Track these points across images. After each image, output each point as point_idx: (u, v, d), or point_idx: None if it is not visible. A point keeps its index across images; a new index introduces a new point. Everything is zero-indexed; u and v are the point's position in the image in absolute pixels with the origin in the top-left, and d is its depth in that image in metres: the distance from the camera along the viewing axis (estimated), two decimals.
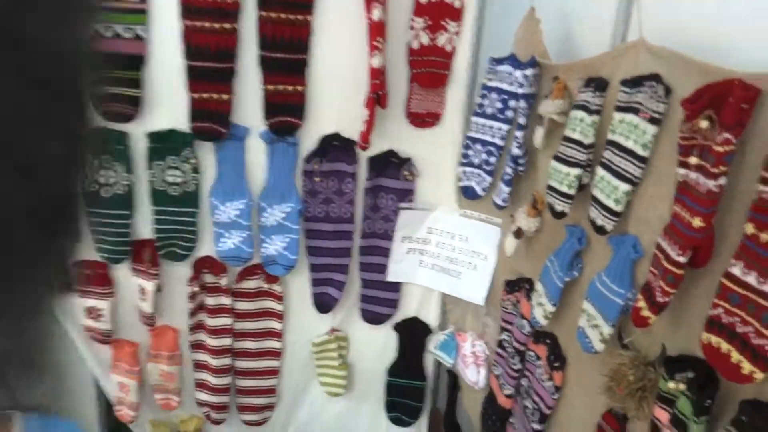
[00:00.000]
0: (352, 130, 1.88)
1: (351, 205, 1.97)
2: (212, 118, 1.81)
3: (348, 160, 1.93)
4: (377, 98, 1.76)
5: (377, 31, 1.70)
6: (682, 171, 1.14)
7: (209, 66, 1.76)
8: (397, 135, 1.93)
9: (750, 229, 0.97)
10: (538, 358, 1.66)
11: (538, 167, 1.68)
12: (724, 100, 1.02)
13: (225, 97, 1.80)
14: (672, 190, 1.17)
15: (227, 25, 1.73)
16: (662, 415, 1.20)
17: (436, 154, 1.96)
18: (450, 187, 1.99)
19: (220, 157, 1.89)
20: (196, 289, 2.02)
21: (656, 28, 1.27)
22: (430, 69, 1.84)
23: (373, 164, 1.94)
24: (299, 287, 2.09)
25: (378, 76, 1.71)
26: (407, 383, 2.19)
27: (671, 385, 1.13)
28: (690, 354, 1.14)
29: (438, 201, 2.01)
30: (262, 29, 1.75)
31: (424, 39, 1.82)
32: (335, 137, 1.90)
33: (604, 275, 1.34)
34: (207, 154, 1.90)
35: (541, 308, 1.54)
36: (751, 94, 0.98)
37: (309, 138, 1.92)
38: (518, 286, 1.77)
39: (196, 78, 1.77)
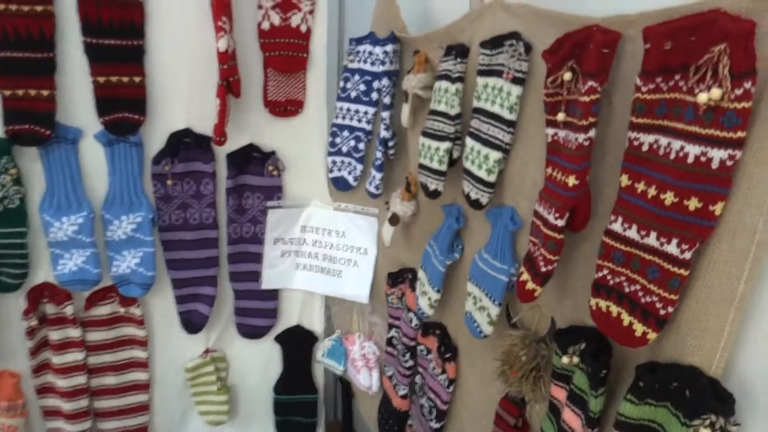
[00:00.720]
0: (205, 124, 1.68)
1: (212, 208, 1.76)
2: (31, 119, 1.53)
3: (204, 158, 1.72)
4: (228, 86, 1.57)
5: (221, 9, 1.51)
6: (550, 130, 1.06)
7: (21, 57, 1.48)
8: (257, 127, 1.75)
9: (625, 180, 0.90)
10: (429, 351, 1.54)
11: (408, 148, 1.57)
12: (585, 48, 0.95)
13: (45, 93, 1.52)
14: (543, 153, 1.10)
15: (38, 7, 1.46)
16: (559, 393, 1.11)
17: (302, 145, 1.81)
18: (321, 180, 1.84)
19: (48, 165, 1.61)
20: (34, 323, 1.71)
21: None
22: (284, 52, 1.68)
23: (233, 161, 1.74)
24: (163, 307, 1.84)
25: (226, 60, 1.53)
26: (297, 399, 2.01)
27: (565, 360, 1.05)
28: (580, 324, 1.06)
29: (310, 196, 1.86)
30: (82, 11, 1.50)
31: (275, 19, 1.65)
32: (186, 133, 1.69)
33: (484, 252, 1.25)
34: (31, 163, 1.61)
35: (425, 297, 1.43)
36: (612, 38, 0.92)
37: (155, 136, 1.68)
38: (401, 278, 1.65)
39: (5, 72, 1.49)
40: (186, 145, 1.69)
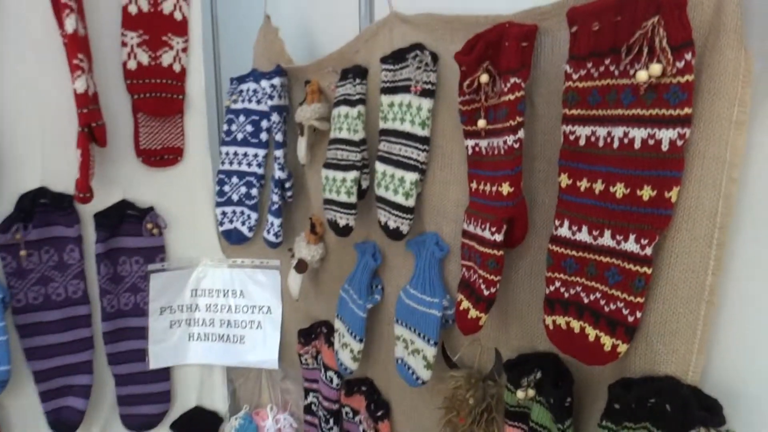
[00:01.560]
0: (65, 180, 1.42)
1: (80, 279, 1.48)
2: None
3: (65, 220, 1.45)
4: (90, 133, 1.34)
5: (75, 45, 1.30)
6: (470, 142, 0.97)
7: None
8: (130, 180, 1.52)
9: (564, 180, 0.81)
10: (356, 413, 1.36)
11: (309, 187, 1.43)
12: (500, 46, 0.87)
13: None
14: (463, 169, 1.00)
15: None
16: None
17: (185, 198, 1.59)
18: (210, 235, 1.62)
19: None
20: None
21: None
22: (155, 93, 1.49)
23: (102, 221, 1.49)
24: (24, 408, 1.50)
25: (86, 103, 1.31)
26: None
27: (519, 395, 0.92)
28: (531, 351, 0.95)
29: (198, 254, 1.63)
30: None
31: (143, 57, 1.47)
32: (41, 193, 1.42)
33: (410, 288, 1.11)
34: None
35: (347, 350, 1.26)
36: (529, 30, 0.85)
37: (1, 199, 1.40)
38: (315, 333, 1.47)
39: None
40: (42, 206, 1.42)
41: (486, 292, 0.89)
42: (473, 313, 0.90)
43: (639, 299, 0.74)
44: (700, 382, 0.75)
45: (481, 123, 0.91)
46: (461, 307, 0.93)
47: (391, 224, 1.09)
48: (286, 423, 1.60)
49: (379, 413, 1.26)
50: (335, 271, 1.37)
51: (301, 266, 1.31)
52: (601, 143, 0.77)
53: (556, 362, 0.91)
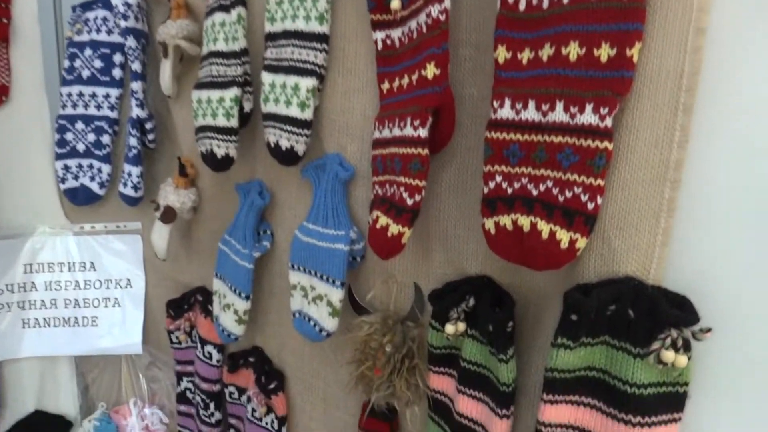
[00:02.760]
0: None
1: None
2: None
3: None
4: None
5: None
6: (380, 34, 0.81)
7: None
8: None
9: (502, 54, 0.67)
10: (242, 391, 1.13)
11: (176, 125, 1.18)
12: None
13: None
14: (369, 76, 0.84)
15: None
16: (444, 383, 0.83)
17: (13, 150, 1.27)
18: (49, 195, 1.31)
19: None
20: None
21: None
22: None
23: None
24: None
25: None
26: None
27: (449, 329, 0.77)
28: (455, 278, 0.80)
29: (32, 220, 1.31)
30: None
31: None
32: None
33: (309, 223, 0.92)
34: None
35: (229, 312, 1.04)
36: None
37: None
38: (187, 304, 1.22)
39: None
40: None
41: (410, 201, 0.73)
42: (394, 228, 0.74)
43: (599, 181, 0.62)
44: (663, 282, 0.65)
45: (396, 4, 0.76)
46: (378, 225, 0.76)
47: (284, 143, 0.89)
48: (154, 418, 1.33)
49: (272, 385, 1.05)
50: (212, 224, 1.14)
51: (168, 215, 1.06)
52: (546, 4, 0.64)
53: (491, 285, 0.77)
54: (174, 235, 1.19)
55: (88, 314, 1.31)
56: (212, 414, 1.18)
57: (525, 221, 0.65)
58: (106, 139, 1.27)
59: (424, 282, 0.85)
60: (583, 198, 0.62)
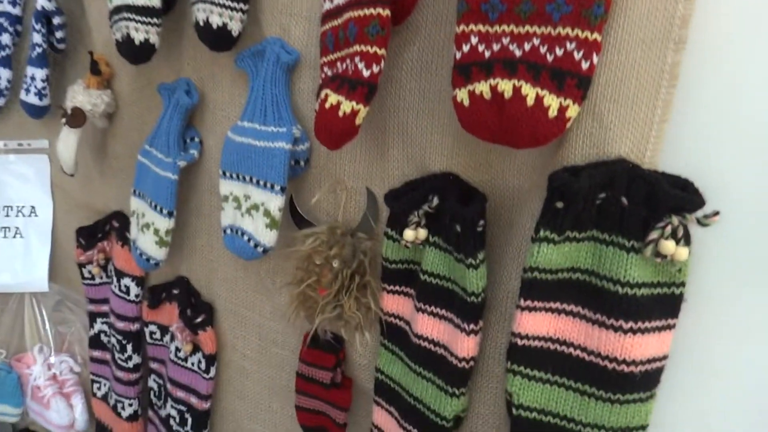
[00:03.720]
0: None
1: None
2: None
3: None
4: None
5: None
6: None
7: None
8: None
9: None
10: (164, 331, 0.99)
11: (90, 21, 1.00)
12: None
13: None
14: None
15: None
16: (399, 304, 0.72)
17: None
18: None
19: None
20: None
21: None
22: None
23: None
24: None
25: None
26: None
27: (408, 235, 0.65)
28: (422, 175, 0.69)
29: None
30: None
31: None
32: None
33: (244, 121, 0.79)
34: None
35: (149, 233, 0.89)
36: None
37: None
38: (101, 232, 1.06)
39: None
40: None
41: (366, 72, 0.60)
42: (347, 106, 0.61)
43: (596, 36, 0.51)
44: (658, 165, 0.56)
45: None
46: (327, 104, 0.63)
47: (216, 20, 0.75)
48: (63, 367, 1.16)
49: (199, 319, 0.91)
50: (131, 137, 0.98)
51: (77, 118, 0.90)
52: None
53: (457, 183, 0.66)
54: (86, 152, 1.03)
55: None
56: (129, 357, 1.03)
57: (506, 86, 0.53)
58: (5, 38, 1.08)
59: (378, 187, 0.73)
60: (577, 55, 0.51)
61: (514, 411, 0.59)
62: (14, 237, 1.13)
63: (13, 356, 1.19)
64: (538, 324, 0.58)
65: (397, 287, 0.72)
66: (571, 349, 0.58)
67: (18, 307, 1.17)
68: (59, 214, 1.14)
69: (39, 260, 1.13)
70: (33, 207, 1.14)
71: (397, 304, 0.72)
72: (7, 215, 1.13)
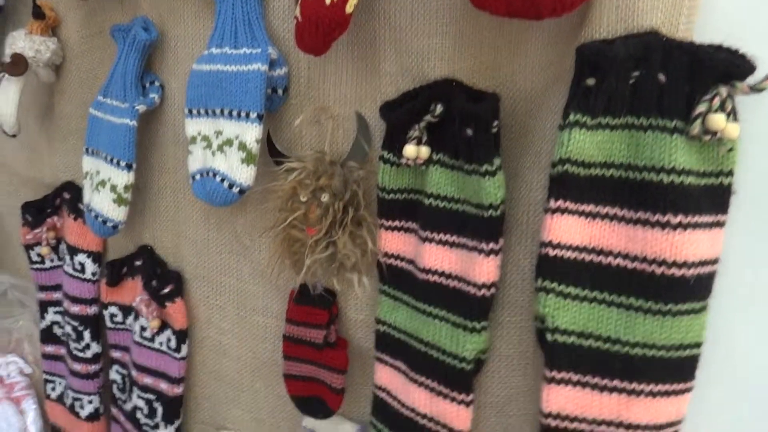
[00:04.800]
0: None
1: None
2: None
3: None
4: None
5: None
6: None
7: None
8: None
9: None
10: (126, 312, 0.87)
11: None
12: None
13: None
14: None
15: None
16: (400, 242, 0.62)
17: None
18: None
19: None
20: None
21: None
22: None
23: None
24: None
25: None
26: None
27: (409, 151, 0.57)
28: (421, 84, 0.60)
29: None
30: None
31: None
32: None
33: (214, 48, 0.69)
34: None
35: (105, 191, 0.78)
36: None
37: None
38: (51, 206, 0.94)
39: None
40: None
41: None
42: None
43: None
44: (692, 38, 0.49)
45: None
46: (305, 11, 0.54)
47: None
48: (11, 369, 1.02)
49: (166, 290, 0.80)
50: (81, 94, 0.87)
51: (17, 65, 0.78)
52: None
53: (462, 89, 0.58)
54: (31, 119, 0.92)
55: None
56: (87, 346, 0.90)
57: None
58: None
59: (369, 110, 0.64)
60: None
61: (549, 337, 0.50)
62: None
63: None
64: (572, 231, 0.50)
65: (397, 222, 0.63)
66: (611, 258, 0.50)
67: None
68: (2, 196, 1.02)
69: None
70: None
71: (397, 241, 0.63)
72: None
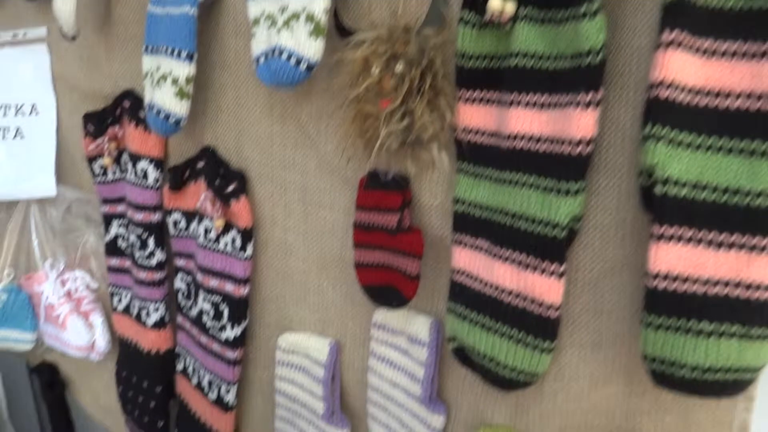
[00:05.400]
0: None
1: None
2: None
3: None
4: None
5: None
6: None
7: None
8: None
9: None
10: (190, 218, 0.86)
11: None
12: None
13: None
14: None
15: None
16: (479, 115, 0.58)
17: None
18: None
19: None
20: None
21: None
22: None
23: None
24: None
25: None
26: None
27: (495, 4, 0.52)
28: None
29: None
30: None
31: None
32: None
33: None
34: None
35: (167, 85, 0.75)
36: None
37: None
38: (112, 116, 0.93)
39: None
40: None
41: None
42: None
43: None
44: None
45: None
46: None
47: None
48: (79, 283, 1.04)
49: (231, 188, 0.78)
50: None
51: None
52: None
53: None
54: (88, 30, 0.90)
55: None
56: (152, 253, 0.90)
57: None
58: None
59: None
60: None
61: (658, 189, 0.46)
62: (14, 138, 1.00)
63: (24, 276, 1.07)
64: (687, 69, 0.45)
65: (478, 92, 0.58)
66: (731, 100, 0.44)
67: (24, 219, 1.04)
68: (64, 113, 1.01)
69: (44, 162, 1.01)
70: (33, 105, 1.01)
71: (477, 114, 0.59)
72: (5, 115, 1.00)
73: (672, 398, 0.56)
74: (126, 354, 0.99)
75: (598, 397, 0.59)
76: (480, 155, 0.59)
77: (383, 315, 0.72)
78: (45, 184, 1.00)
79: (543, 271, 0.53)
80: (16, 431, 1.16)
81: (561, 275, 0.53)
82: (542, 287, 0.53)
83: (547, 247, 0.52)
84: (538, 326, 0.54)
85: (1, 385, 1.14)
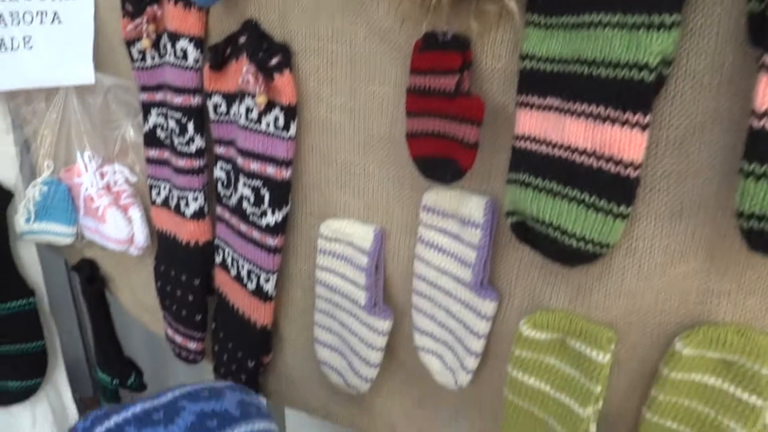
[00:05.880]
0: None
1: None
2: None
3: None
4: None
5: None
6: None
7: None
8: None
9: None
10: (231, 99, 0.82)
11: None
12: None
13: None
14: None
15: None
16: None
17: None
18: None
19: None
20: None
21: None
22: None
23: None
24: None
25: None
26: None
27: None
28: None
29: None
30: None
31: None
32: None
33: None
34: None
35: None
36: None
37: None
38: None
39: None
40: None
41: None
42: None
43: None
44: None
45: None
46: None
47: None
48: (118, 176, 1.02)
49: (274, 61, 0.73)
50: None
51: None
52: None
53: None
54: None
55: (17, 34, 0.96)
56: (191, 139, 0.87)
57: None
58: None
59: None
60: None
61: None
62: (52, 23, 0.97)
63: (64, 168, 1.06)
64: None
65: None
66: None
67: (64, 109, 1.01)
68: (102, 4, 0.97)
69: (82, 47, 0.97)
70: None
71: None
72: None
73: (757, 277, 0.51)
74: (165, 248, 0.98)
75: (672, 275, 0.53)
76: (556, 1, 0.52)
77: (434, 196, 0.68)
78: (83, 71, 0.97)
79: (624, 123, 0.47)
80: (57, 327, 1.18)
81: (645, 127, 0.47)
82: (622, 142, 0.47)
83: (632, 95, 0.46)
84: (613, 187, 0.49)
85: (42, 281, 1.14)
